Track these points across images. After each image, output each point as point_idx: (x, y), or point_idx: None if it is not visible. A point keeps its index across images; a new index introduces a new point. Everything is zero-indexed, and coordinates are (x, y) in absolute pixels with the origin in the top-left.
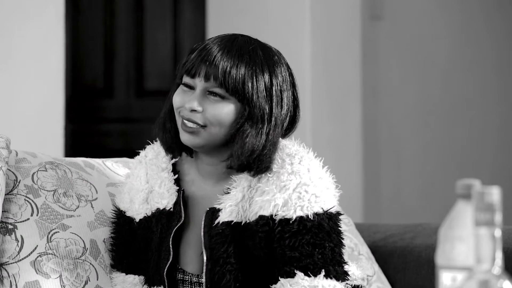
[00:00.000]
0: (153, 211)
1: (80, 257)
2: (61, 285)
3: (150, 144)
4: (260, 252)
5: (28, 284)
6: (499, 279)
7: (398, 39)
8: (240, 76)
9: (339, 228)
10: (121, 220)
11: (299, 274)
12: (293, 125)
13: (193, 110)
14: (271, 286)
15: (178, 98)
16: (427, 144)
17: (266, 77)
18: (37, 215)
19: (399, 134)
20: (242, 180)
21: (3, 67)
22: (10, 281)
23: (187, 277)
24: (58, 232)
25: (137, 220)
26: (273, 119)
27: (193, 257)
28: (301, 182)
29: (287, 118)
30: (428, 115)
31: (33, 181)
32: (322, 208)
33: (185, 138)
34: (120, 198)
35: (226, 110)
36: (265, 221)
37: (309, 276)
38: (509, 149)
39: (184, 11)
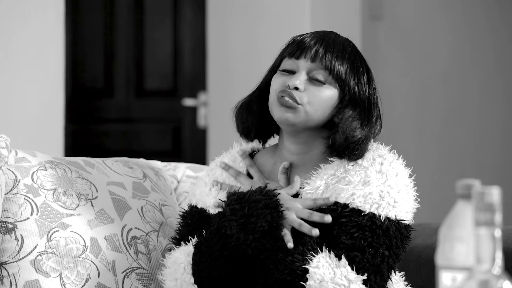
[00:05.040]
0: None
1: (80, 255)
2: (61, 284)
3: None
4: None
5: (28, 283)
6: (499, 279)
7: (398, 39)
8: (344, 65)
9: (402, 241)
10: (193, 209)
11: (345, 260)
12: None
13: (295, 88)
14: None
15: (280, 79)
16: (427, 144)
17: (365, 76)
18: (37, 214)
19: (399, 134)
20: (328, 169)
21: (3, 67)
22: (10, 280)
23: None
24: (58, 231)
25: (211, 211)
26: (374, 113)
27: None
28: (386, 183)
29: (379, 122)
30: (428, 115)
31: (32, 180)
32: (395, 215)
33: (280, 113)
34: (192, 194)
35: (327, 95)
36: (337, 207)
37: (352, 269)
38: (510, 149)
39: (184, 11)
